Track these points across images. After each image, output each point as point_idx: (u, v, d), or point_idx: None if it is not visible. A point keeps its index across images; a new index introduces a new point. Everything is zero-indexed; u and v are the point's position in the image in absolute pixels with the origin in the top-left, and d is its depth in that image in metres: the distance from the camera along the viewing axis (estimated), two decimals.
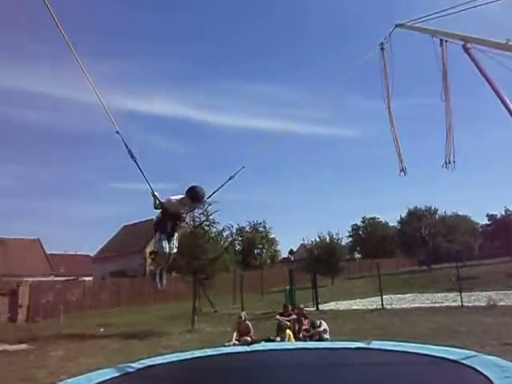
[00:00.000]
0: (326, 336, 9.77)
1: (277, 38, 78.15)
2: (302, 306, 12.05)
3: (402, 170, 7.08)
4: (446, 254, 34.06)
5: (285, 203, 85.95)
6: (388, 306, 16.70)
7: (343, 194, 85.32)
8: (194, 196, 4.78)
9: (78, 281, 29.33)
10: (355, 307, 18.02)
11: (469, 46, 5.60)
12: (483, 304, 14.56)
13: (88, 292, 26.00)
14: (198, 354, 7.39)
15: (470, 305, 15.00)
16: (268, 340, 9.59)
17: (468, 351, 5.93)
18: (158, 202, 4.92)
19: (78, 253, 53.21)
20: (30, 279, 26.77)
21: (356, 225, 65.04)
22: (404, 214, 43.04)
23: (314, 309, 17.83)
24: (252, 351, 7.70)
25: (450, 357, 5.62)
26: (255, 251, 54.94)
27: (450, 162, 6.43)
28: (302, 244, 44.91)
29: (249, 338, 9.73)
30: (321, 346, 8.08)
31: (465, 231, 41.12)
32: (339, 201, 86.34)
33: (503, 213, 44.13)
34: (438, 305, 16.25)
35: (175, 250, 5.21)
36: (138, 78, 68.59)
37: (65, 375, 7.33)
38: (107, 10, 64.17)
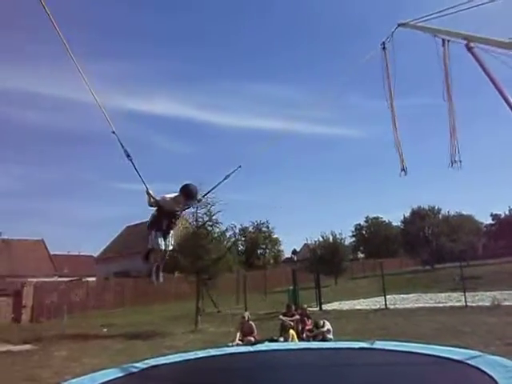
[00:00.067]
0: (330, 336, 9.74)
1: (279, 37, 78.25)
2: (305, 306, 12.02)
3: (403, 169, 7.08)
4: (449, 253, 33.95)
5: (288, 203, 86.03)
6: (391, 306, 16.65)
7: (346, 194, 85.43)
8: (188, 194, 4.89)
9: (81, 281, 29.39)
10: (358, 307, 17.97)
11: (472, 45, 5.58)
12: (487, 304, 14.49)
13: (91, 292, 26.05)
14: (201, 354, 7.41)
15: (474, 305, 14.94)
16: (271, 340, 9.59)
17: (472, 351, 5.92)
18: (152, 199, 5.00)
19: (81, 253, 53.39)
20: (34, 280, 26.89)
21: (359, 224, 65.08)
22: (407, 214, 42.99)
23: (318, 309, 17.81)
24: (255, 351, 7.72)
25: (455, 357, 5.61)
26: (258, 251, 54.94)
27: (455, 162, 6.41)
28: (305, 244, 44.94)
29: (252, 339, 9.71)
30: (324, 346, 8.08)
31: (469, 231, 40.97)
32: (342, 201, 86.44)
33: (507, 212, 43.99)
34: (441, 305, 16.18)
35: (171, 247, 5.30)
36: (140, 78, 68.90)
37: (69, 375, 7.36)
38: (108, 11, 64.46)
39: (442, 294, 19.75)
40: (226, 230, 16.42)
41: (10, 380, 8.12)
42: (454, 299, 17.25)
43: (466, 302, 15.13)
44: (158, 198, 5.02)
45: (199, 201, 5.38)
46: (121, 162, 4.92)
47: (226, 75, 79.85)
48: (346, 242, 36.77)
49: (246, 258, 47.63)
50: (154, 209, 5.16)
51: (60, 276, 41.29)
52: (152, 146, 71.22)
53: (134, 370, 6.35)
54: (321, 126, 71.04)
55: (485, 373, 4.75)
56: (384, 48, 7.09)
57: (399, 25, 6.74)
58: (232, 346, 9.16)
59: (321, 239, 33.81)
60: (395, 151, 7.16)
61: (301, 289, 19.19)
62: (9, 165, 67.30)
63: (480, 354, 5.67)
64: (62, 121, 72.97)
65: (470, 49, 5.61)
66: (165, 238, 5.14)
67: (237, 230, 18.51)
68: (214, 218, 15.38)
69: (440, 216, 42.19)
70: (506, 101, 5.21)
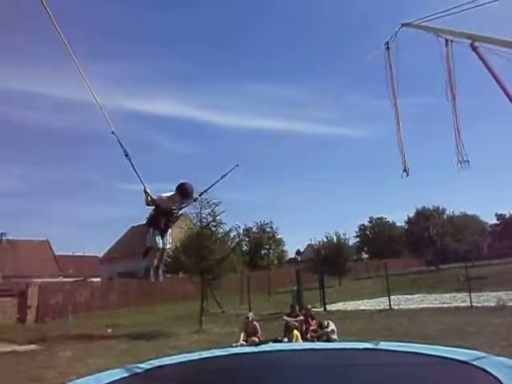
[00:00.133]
0: (334, 337, 9.73)
1: (280, 37, 78.26)
2: (309, 306, 12.01)
3: (405, 170, 7.05)
4: (454, 253, 33.80)
5: (291, 203, 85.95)
6: (396, 307, 16.60)
7: (350, 194, 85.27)
8: (183, 192, 4.96)
9: (86, 282, 29.50)
10: (363, 308, 17.92)
11: (476, 44, 5.56)
12: (493, 304, 14.41)
13: (96, 293, 26.13)
14: (205, 354, 7.42)
15: (479, 305, 14.85)
16: (275, 341, 9.59)
17: (477, 352, 5.89)
18: (149, 198, 5.06)
19: (85, 254, 53.62)
20: (39, 280, 27.03)
21: (363, 225, 64.86)
22: (412, 214, 42.85)
23: (322, 309, 17.78)
24: (259, 352, 7.71)
25: (460, 358, 5.59)
26: (262, 252, 54.92)
27: (463, 162, 6.37)
28: (309, 244, 44.84)
29: (256, 339, 9.72)
30: (328, 347, 8.06)
31: (473, 231, 40.79)
32: (346, 201, 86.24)
33: None
34: (446, 305, 16.11)
35: (169, 246, 5.36)
36: (140, 78, 69.03)
37: (74, 375, 7.39)
38: (109, 11, 64.60)
39: (447, 295, 19.66)
40: (230, 230, 16.49)
41: (15, 380, 8.17)
42: (458, 300, 17.17)
43: (471, 302, 15.06)
44: (154, 197, 5.09)
45: (195, 200, 5.45)
46: (123, 163, 4.97)
47: (227, 75, 79.96)
48: (350, 243, 36.78)
49: (249, 258, 47.63)
50: (152, 208, 5.24)
51: (65, 276, 41.50)
52: (153, 147, 71.50)
53: (139, 370, 6.37)
54: (326, 126, 71.11)
55: (490, 374, 4.72)
56: (388, 48, 7.07)
57: (403, 25, 6.73)
58: (236, 346, 9.17)
59: (325, 239, 33.78)
60: (398, 151, 7.13)
61: (305, 289, 19.17)
62: (9, 165, 67.74)
63: (485, 354, 5.65)
64: (62, 121, 73.31)
65: (474, 48, 5.59)
66: (162, 237, 5.21)
67: (241, 231, 18.56)
68: (218, 218, 15.43)
69: (445, 216, 42.02)
70: (511, 100, 5.18)
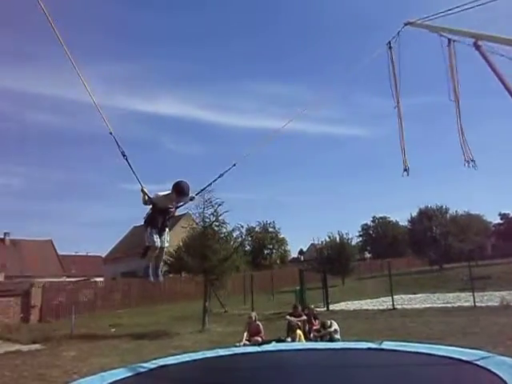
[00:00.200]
0: (337, 336, 9.71)
1: (284, 37, 78.19)
2: (312, 306, 12.01)
3: (405, 170, 7.04)
4: (457, 253, 33.70)
5: (294, 203, 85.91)
6: (399, 306, 16.57)
7: (353, 194, 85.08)
8: (180, 191, 4.98)
9: (89, 281, 29.60)
10: (366, 307, 17.91)
11: (480, 43, 5.55)
12: (496, 304, 14.38)
13: (99, 293, 26.19)
14: (209, 354, 7.42)
15: (482, 305, 14.82)
16: (278, 340, 9.57)
17: (481, 352, 5.87)
18: (146, 197, 5.08)
19: (89, 254, 53.77)
20: (43, 280, 27.11)
21: (366, 224, 64.75)
22: (415, 214, 42.70)
23: (325, 309, 17.78)
24: (262, 351, 7.71)
25: (463, 357, 5.56)
26: (265, 251, 54.82)
27: (470, 161, 6.36)
28: (312, 244, 44.91)
29: (259, 339, 9.72)
30: (331, 347, 8.05)
31: (477, 230, 40.63)
32: (349, 200, 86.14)
33: None
34: (450, 305, 16.07)
35: (167, 244, 5.37)
36: (144, 79, 69.12)
37: (77, 375, 7.42)
38: (111, 11, 64.77)
39: (451, 294, 19.62)
40: (233, 230, 16.45)
41: (19, 379, 8.20)
42: (462, 299, 17.13)
43: (474, 302, 15.02)
44: (151, 196, 5.12)
45: (192, 199, 5.47)
46: (124, 163, 5.01)
47: (232, 75, 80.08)
48: (353, 242, 36.69)
49: (252, 258, 47.52)
50: (150, 207, 5.26)
51: (68, 276, 41.67)
52: (158, 147, 71.62)
53: (143, 369, 6.38)
54: (329, 125, 71.09)
55: (494, 374, 4.70)
56: (390, 47, 7.06)
57: (406, 24, 6.71)
58: (239, 346, 9.16)
59: (328, 239, 33.78)
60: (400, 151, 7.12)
61: (308, 289, 19.17)
62: (9, 165, 68.00)
63: (489, 354, 5.62)
64: (63, 121, 73.51)
65: (477, 47, 5.57)
66: (160, 235, 5.22)
67: (243, 230, 18.50)
68: (220, 218, 15.44)
69: (448, 216, 41.88)
70: None
